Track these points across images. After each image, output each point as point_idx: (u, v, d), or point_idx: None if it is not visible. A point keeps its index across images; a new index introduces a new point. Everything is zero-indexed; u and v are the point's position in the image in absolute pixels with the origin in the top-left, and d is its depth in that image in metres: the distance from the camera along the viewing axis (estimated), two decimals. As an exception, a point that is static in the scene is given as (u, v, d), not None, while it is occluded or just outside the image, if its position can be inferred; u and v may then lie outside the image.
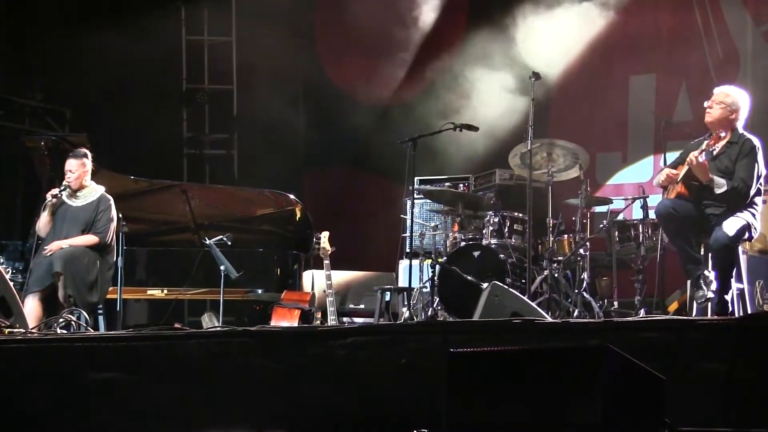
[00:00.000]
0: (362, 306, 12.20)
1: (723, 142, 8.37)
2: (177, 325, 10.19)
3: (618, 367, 4.57)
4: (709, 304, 8.22)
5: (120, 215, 10.16)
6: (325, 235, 10.29)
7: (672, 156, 9.00)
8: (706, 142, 8.30)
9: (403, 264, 11.77)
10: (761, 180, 8.41)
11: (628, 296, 10.57)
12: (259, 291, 11.42)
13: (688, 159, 8.35)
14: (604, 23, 12.84)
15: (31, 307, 9.48)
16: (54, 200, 9.96)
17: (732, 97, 8.52)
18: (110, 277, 10.02)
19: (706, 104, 8.59)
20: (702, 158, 8.25)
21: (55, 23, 14.60)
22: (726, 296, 8.18)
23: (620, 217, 10.76)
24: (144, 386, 6.44)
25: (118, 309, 10.23)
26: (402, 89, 13.87)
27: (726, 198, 8.26)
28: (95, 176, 10.32)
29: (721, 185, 8.25)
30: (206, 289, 11.31)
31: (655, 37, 13.48)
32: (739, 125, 8.50)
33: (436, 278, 10.64)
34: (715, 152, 8.30)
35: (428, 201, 12.24)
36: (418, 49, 13.90)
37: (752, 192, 8.29)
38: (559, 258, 10.47)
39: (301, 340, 6.47)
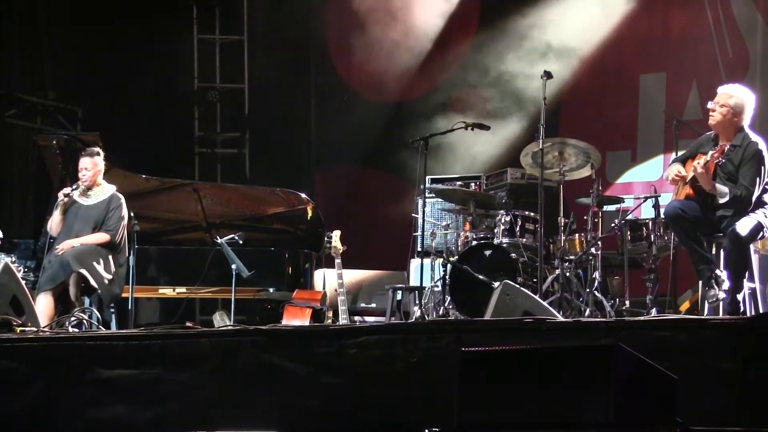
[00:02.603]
0: (374, 305, 12.20)
1: (727, 146, 8.31)
2: (188, 324, 10.26)
3: (630, 366, 4.58)
4: (721, 303, 8.21)
5: (132, 214, 10.17)
6: (336, 234, 10.30)
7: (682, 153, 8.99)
8: (711, 153, 8.24)
9: (415, 263, 11.76)
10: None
11: (639, 295, 10.54)
12: (271, 290, 11.43)
13: (693, 167, 8.34)
14: (615, 21, 12.86)
15: (43, 306, 9.49)
16: (66, 199, 9.98)
17: (735, 98, 8.46)
18: (124, 274, 10.04)
19: (709, 105, 8.56)
20: (702, 168, 8.23)
21: (66, 22, 14.63)
22: (738, 296, 8.17)
23: (632, 216, 10.74)
24: (155, 385, 6.46)
25: (129, 307, 10.24)
26: (414, 88, 13.88)
27: (730, 206, 8.25)
28: (107, 175, 10.33)
29: (723, 195, 8.23)
30: (218, 288, 11.33)
31: (665, 36, 13.47)
32: (745, 125, 8.47)
33: (447, 277, 10.63)
34: (721, 164, 8.26)
35: (440, 200, 12.21)
36: (429, 48, 13.90)
37: (754, 198, 8.25)
38: (571, 257, 10.46)
39: (312, 339, 6.48)
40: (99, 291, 9.67)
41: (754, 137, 8.37)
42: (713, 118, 8.49)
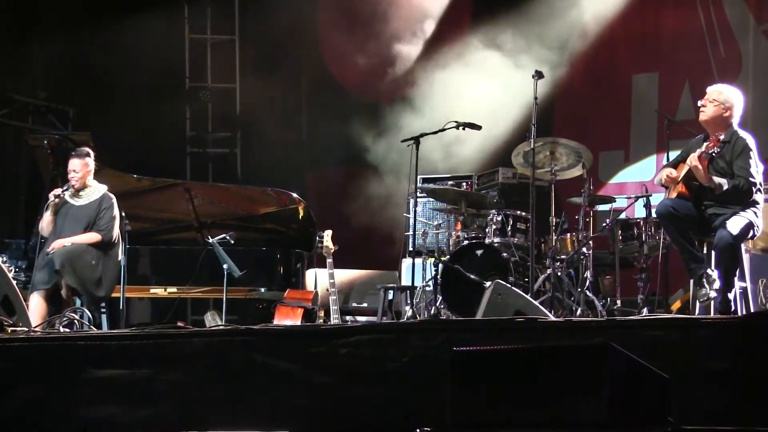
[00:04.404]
0: (365, 304, 12.20)
1: (722, 135, 8.32)
2: (180, 324, 10.24)
3: (621, 365, 4.58)
4: (712, 302, 8.22)
5: (123, 214, 10.16)
6: (328, 234, 10.29)
7: (674, 155, 8.99)
8: (706, 144, 8.26)
9: (406, 262, 11.77)
10: (761, 175, 8.39)
11: (631, 295, 10.56)
12: (262, 289, 11.43)
13: (688, 160, 8.34)
14: (608, 21, 12.88)
15: (35, 306, 9.50)
16: (56, 200, 9.97)
17: (725, 95, 8.50)
18: (116, 274, 10.02)
19: (699, 103, 8.58)
20: (696, 161, 8.22)
21: (58, 21, 14.61)
22: (729, 295, 8.17)
23: (623, 215, 10.76)
24: (147, 385, 6.45)
25: (121, 307, 10.23)
26: (406, 87, 13.86)
27: (729, 197, 8.24)
28: (98, 175, 10.32)
29: (722, 186, 8.23)
30: (209, 288, 11.31)
31: (657, 36, 13.49)
32: (734, 122, 8.49)
33: (439, 277, 10.64)
34: (715, 154, 8.27)
35: (431, 199, 12.24)
36: (422, 47, 13.89)
37: (755, 188, 8.27)
38: (562, 256, 10.47)
39: (304, 339, 6.48)
40: (87, 293, 9.67)
41: (743, 133, 8.41)
42: (704, 113, 8.50)
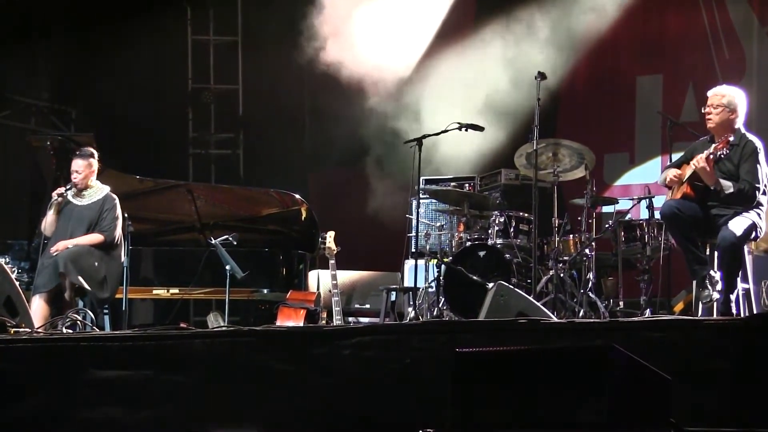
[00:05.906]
0: (368, 306, 12.19)
1: (731, 137, 8.30)
2: (182, 325, 10.25)
3: (624, 367, 4.57)
4: (715, 304, 8.21)
5: (126, 215, 10.17)
6: (330, 235, 10.29)
7: (678, 157, 8.98)
8: (713, 146, 8.24)
9: (409, 264, 11.77)
10: (767, 178, 8.38)
11: (633, 296, 10.55)
12: (265, 291, 11.42)
13: (693, 162, 8.32)
14: (611, 23, 12.88)
15: (38, 307, 9.50)
16: (60, 199, 9.97)
17: (728, 97, 8.48)
18: (119, 275, 10.01)
19: (704, 110, 8.55)
20: (703, 163, 8.21)
21: (61, 23, 14.61)
22: (732, 296, 8.16)
23: (626, 217, 10.75)
24: (149, 386, 6.45)
25: (123, 308, 10.23)
26: (408, 87, 13.85)
27: (733, 200, 8.23)
28: (101, 176, 10.33)
29: (727, 188, 8.21)
30: (212, 289, 11.31)
31: (661, 38, 13.48)
32: (740, 122, 8.47)
33: (441, 278, 10.63)
34: (723, 156, 8.25)
35: (434, 201, 12.24)
36: (425, 47, 13.88)
37: (759, 193, 8.26)
38: (565, 258, 10.47)
39: (306, 340, 6.48)
40: (93, 293, 9.68)
41: (751, 136, 8.40)
42: (711, 121, 8.47)
